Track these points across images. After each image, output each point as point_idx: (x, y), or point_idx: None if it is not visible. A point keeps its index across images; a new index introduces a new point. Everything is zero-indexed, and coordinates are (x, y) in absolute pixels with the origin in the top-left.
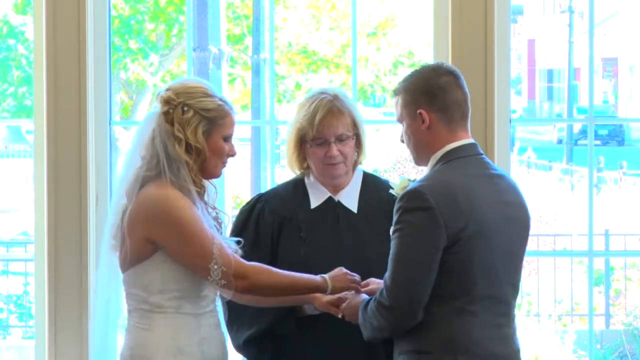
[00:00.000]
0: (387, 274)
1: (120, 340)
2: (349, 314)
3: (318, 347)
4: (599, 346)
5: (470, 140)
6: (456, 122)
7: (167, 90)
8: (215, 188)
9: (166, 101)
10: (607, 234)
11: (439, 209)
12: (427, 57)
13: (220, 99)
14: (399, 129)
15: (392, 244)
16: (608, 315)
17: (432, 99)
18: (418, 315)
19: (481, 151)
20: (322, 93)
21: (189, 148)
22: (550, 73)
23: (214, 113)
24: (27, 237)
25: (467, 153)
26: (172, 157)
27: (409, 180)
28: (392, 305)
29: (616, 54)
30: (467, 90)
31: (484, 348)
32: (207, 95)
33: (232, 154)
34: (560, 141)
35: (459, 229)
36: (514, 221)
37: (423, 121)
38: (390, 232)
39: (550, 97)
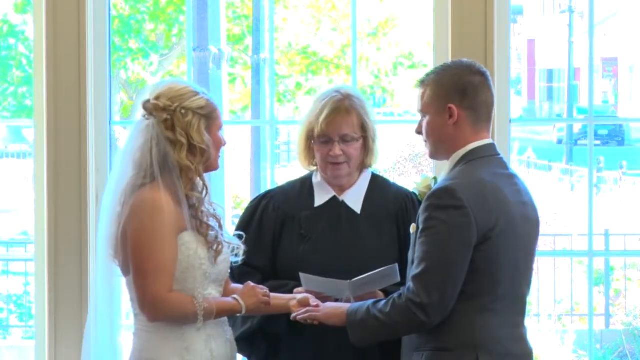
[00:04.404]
0: (416, 272)
1: (120, 346)
2: (329, 316)
3: (311, 345)
4: (598, 346)
5: (490, 140)
6: (482, 122)
7: (157, 98)
8: (205, 183)
9: (163, 109)
10: (607, 234)
11: (470, 208)
12: (427, 57)
13: (204, 93)
14: (399, 129)
15: (422, 241)
16: (608, 315)
17: (464, 96)
18: (449, 312)
19: (499, 152)
20: (335, 91)
21: (192, 150)
22: (550, 73)
23: (207, 109)
24: (27, 237)
25: (489, 153)
26: (171, 165)
27: (432, 178)
28: (426, 303)
29: (616, 54)
30: (494, 92)
31: (504, 347)
32: (196, 93)
33: (225, 144)
34: (560, 141)
35: (488, 228)
36: (530, 221)
37: (451, 116)
38: (411, 230)
39: (550, 97)
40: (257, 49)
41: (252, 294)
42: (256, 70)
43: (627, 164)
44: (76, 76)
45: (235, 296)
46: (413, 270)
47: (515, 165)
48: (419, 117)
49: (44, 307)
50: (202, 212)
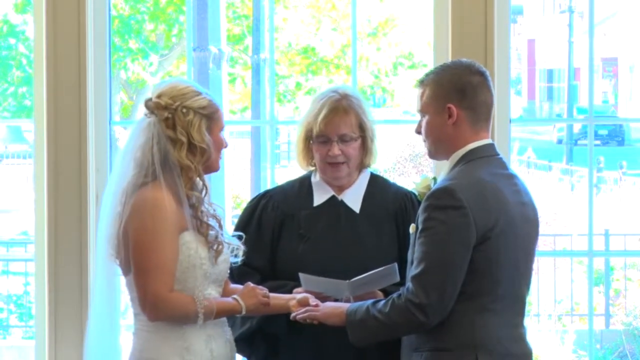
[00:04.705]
0: (415, 272)
1: (120, 346)
2: (328, 315)
3: (310, 345)
4: (598, 346)
5: (490, 140)
6: (481, 122)
7: (159, 96)
8: (205, 182)
9: (164, 107)
10: (607, 234)
11: (470, 208)
12: (427, 57)
13: (207, 94)
14: (399, 129)
15: (421, 241)
16: (608, 315)
17: (463, 96)
18: (448, 312)
19: (499, 152)
20: (332, 91)
21: (192, 150)
22: (550, 73)
23: (209, 109)
24: (27, 237)
25: (488, 153)
26: (172, 164)
27: (431, 178)
28: (425, 303)
29: (616, 54)
30: (494, 92)
31: (504, 347)
32: (198, 93)
33: (226, 146)
34: (560, 141)
35: (487, 228)
36: (529, 221)
37: (450, 116)
38: (411, 230)
39: (550, 97)
40: (257, 49)
41: (252, 295)
42: (256, 70)
43: (627, 164)
44: (76, 76)
45: (235, 296)
46: (412, 270)
47: (515, 165)
48: (418, 117)
49: (44, 307)
50: (201, 211)
